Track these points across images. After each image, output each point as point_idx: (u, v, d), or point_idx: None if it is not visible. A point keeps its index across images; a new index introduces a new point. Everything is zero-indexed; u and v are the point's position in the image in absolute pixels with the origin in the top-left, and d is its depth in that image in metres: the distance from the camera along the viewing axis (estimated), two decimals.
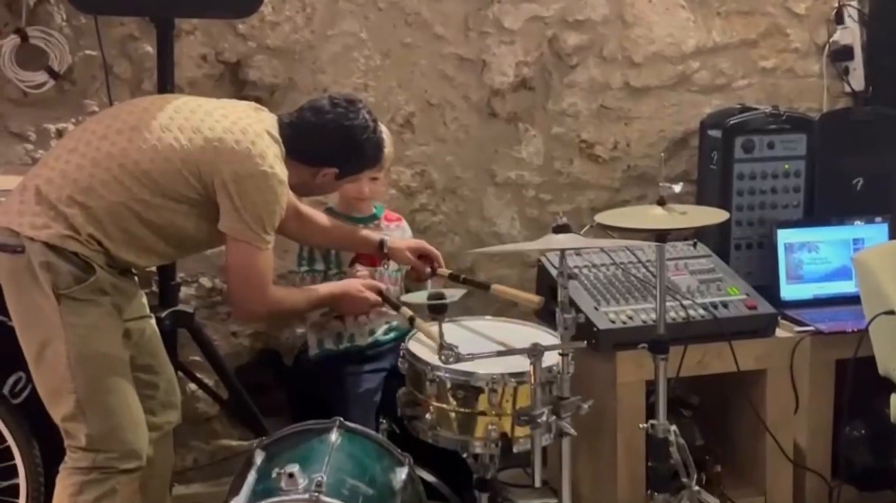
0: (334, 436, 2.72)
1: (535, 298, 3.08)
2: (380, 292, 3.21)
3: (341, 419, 2.77)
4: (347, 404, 3.15)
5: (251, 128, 2.80)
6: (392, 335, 3.39)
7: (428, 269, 3.33)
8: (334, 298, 3.15)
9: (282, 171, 2.80)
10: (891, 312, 3.10)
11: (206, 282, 3.76)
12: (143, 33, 3.56)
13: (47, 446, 3.06)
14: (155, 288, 3.50)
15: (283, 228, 2.92)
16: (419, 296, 2.88)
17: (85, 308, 2.68)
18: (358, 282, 3.19)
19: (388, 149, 3.39)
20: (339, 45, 3.78)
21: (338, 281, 3.28)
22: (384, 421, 3.05)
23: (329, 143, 2.93)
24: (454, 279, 3.28)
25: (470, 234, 4.01)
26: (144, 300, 3.04)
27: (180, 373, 3.37)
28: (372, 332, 3.39)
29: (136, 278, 2.91)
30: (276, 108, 3.69)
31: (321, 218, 3.29)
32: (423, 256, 3.35)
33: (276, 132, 2.87)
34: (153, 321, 3.08)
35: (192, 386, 3.62)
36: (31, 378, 2.79)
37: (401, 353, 2.95)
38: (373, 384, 3.26)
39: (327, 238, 3.30)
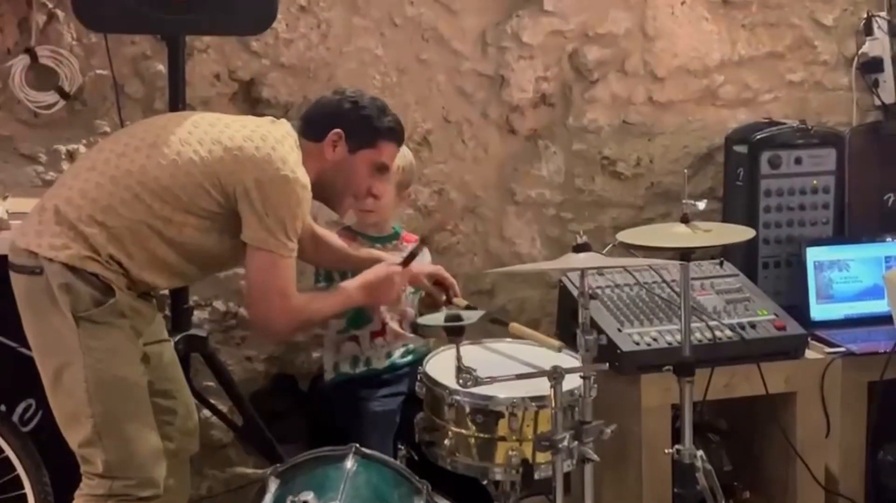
0: (350, 463, 2.70)
1: (555, 343, 3.05)
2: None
3: (357, 445, 2.75)
4: (364, 429, 3.13)
5: (271, 134, 2.82)
6: (409, 358, 3.38)
7: (443, 297, 3.30)
8: (371, 288, 3.06)
9: (303, 176, 2.80)
10: None
11: (219, 305, 3.76)
12: (154, 52, 3.58)
13: (58, 475, 3.05)
14: (168, 311, 3.49)
15: (298, 251, 2.91)
16: (436, 318, 2.87)
17: (104, 331, 2.68)
18: (384, 265, 3.14)
19: (408, 161, 3.41)
20: (355, 61, 3.79)
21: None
22: (402, 447, 3.03)
23: (332, 105, 2.99)
24: (470, 310, 3.25)
25: (490, 255, 4.00)
26: (163, 323, 3.04)
27: (194, 400, 3.37)
28: (389, 355, 3.37)
29: (154, 301, 2.91)
30: None
31: (335, 240, 3.29)
32: (439, 283, 3.31)
33: (294, 136, 2.89)
34: (171, 345, 3.08)
35: (206, 412, 3.61)
36: (41, 405, 2.79)
37: (418, 377, 2.95)
38: (390, 408, 3.24)
39: (342, 260, 3.29)
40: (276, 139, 2.81)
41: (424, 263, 3.42)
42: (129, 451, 2.71)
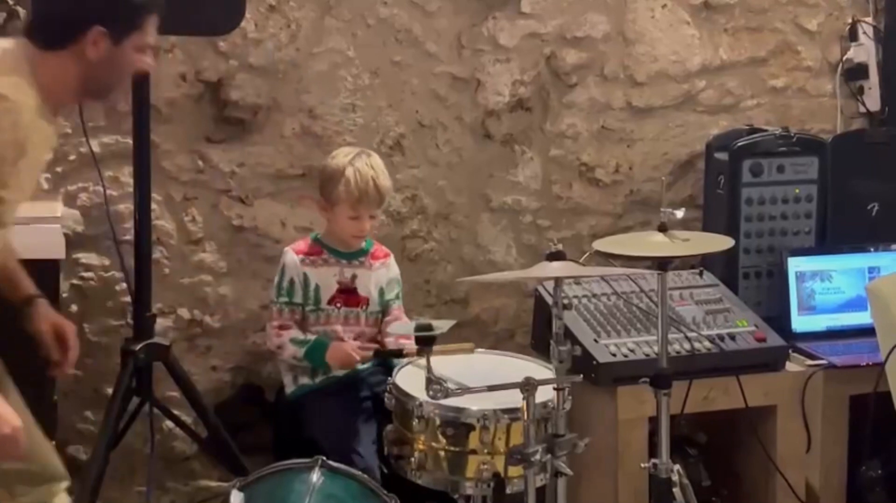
0: (315, 477, 2.72)
1: (466, 346, 3.09)
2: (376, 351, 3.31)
3: (323, 458, 2.76)
4: (331, 440, 3.14)
5: None
6: (368, 363, 3.40)
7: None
8: None
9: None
10: None
11: (184, 313, 3.76)
12: None
13: None
14: (129, 319, 3.50)
15: None
16: (407, 328, 2.88)
17: None
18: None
19: (386, 181, 3.42)
20: (326, 63, 3.79)
21: (314, 322, 3.36)
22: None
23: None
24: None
25: (464, 263, 4.01)
26: None
27: (156, 411, 3.37)
28: None
29: None
30: (259, 129, 3.75)
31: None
32: (61, 337, 2.87)
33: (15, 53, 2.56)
34: None
35: (169, 424, 3.61)
36: None
37: (387, 388, 2.96)
38: (359, 411, 3.27)
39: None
40: None
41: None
42: None
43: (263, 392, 3.86)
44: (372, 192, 3.36)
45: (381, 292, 3.48)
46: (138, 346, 3.25)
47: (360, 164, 3.37)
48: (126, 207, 3.57)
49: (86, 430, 3.67)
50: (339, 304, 3.40)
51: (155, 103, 3.38)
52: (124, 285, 3.56)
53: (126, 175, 3.59)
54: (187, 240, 3.74)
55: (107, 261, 3.64)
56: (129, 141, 3.48)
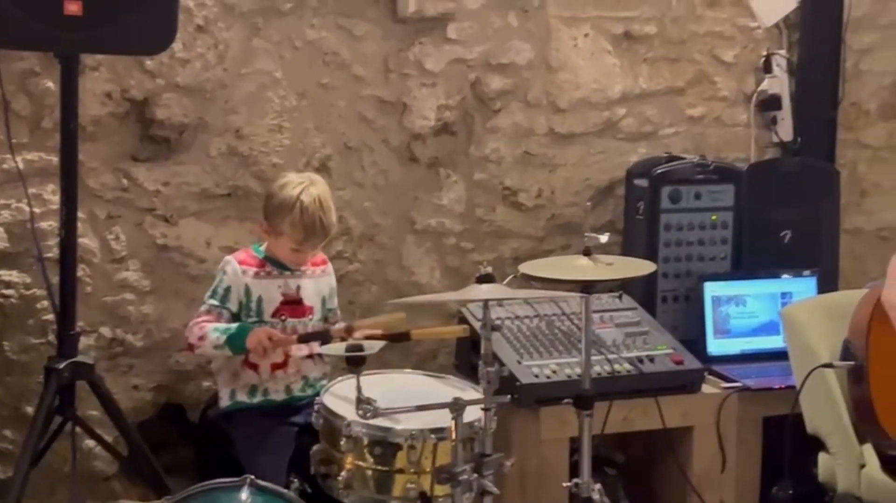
0: (245, 495, 2.74)
1: (457, 328, 3.13)
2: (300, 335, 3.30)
3: (252, 477, 2.79)
4: (259, 459, 3.16)
5: None
6: (309, 392, 3.41)
7: None
8: None
9: None
10: (829, 366, 3.22)
11: (106, 332, 3.75)
12: (44, 68, 3.56)
13: None
14: (51, 338, 3.49)
15: None
16: (337, 348, 2.93)
17: None
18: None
19: (332, 217, 3.41)
20: (253, 84, 3.83)
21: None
22: (295, 479, 3.08)
23: None
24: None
25: (388, 284, 4.06)
26: None
27: (78, 429, 3.36)
28: (288, 389, 3.41)
29: None
30: (185, 148, 3.76)
31: None
32: None
33: None
34: None
35: (90, 443, 3.60)
36: None
37: (315, 408, 2.99)
38: (285, 439, 3.28)
39: None
40: None
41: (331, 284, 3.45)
42: None
43: (185, 411, 3.87)
44: (318, 231, 3.37)
45: (324, 301, 3.51)
46: (62, 365, 3.23)
47: (308, 199, 3.34)
48: (49, 225, 3.57)
49: (5, 450, 3.64)
50: (284, 317, 3.40)
51: (80, 121, 3.36)
52: (46, 303, 3.54)
53: (49, 192, 3.59)
54: (110, 258, 3.73)
55: (28, 279, 3.62)
56: (53, 158, 3.50)
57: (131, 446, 3.46)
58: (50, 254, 3.50)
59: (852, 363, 3.20)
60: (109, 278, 3.74)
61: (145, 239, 3.77)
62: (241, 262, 3.43)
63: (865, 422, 3.23)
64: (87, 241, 3.67)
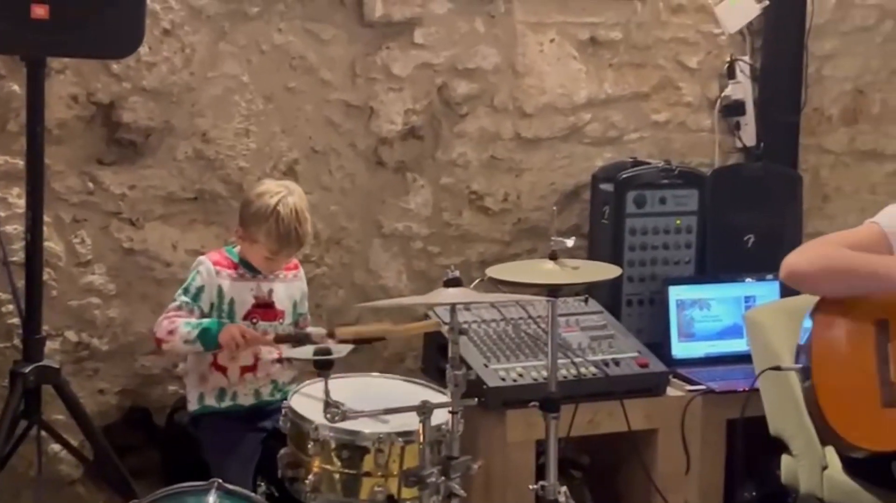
0: (212, 499, 2.74)
1: (432, 322, 3.14)
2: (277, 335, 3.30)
3: (220, 481, 2.79)
4: (226, 463, 3.16)
5: None
6: (278, 396, 3.40)
7: None
8: None
9: None
10: (777, 368, 3.24)
11: (71, 335, 3.74)
12: (9, 71, 3.55)
13: None
14: (16, 341, 3.48)
15: None
16: (305, 352, 2.93)
17: None
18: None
19: (308, 227, 3.42)
20: (220, 87, 3.83)
21: None
22: (262, 483, 3.08)
23: None
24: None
25: (355, 287, 4.07)
26: None
27: (44, 433, 3.36)
28: (257, 393, 3.42)
29: None
30: (151, 152, 3.76)
31: None
32: None
33: None
34: None
35: (55, 447, 3.59)
36: None
37: (282, 411, 3.00)
38: (253, 442, 3.28)
39: None
40: None
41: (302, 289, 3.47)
42: None
43: (151, 415, 3.86)
44: (293, 242, 3.38)
45: (295, 305, 3.51)
46: (28, 369, 3.23)
47: (285, 210, 3.33)
48: (14, 229, 3.56)
49: None
50: (255, 319, 3.40)
51: (46, 124, 3.35)
52: (11, 307, 3.52)
53: (14, 196, 3.58)
54: (76, 262, 3.72)
55: None
56: (19, 161, 3.49)
57: (97, 450, 3.46)
58: (15, 258, 3.50)
59: (800, 366, 3.21)
60: (75, 282, 3.73)
61: (111, 242, 3.76)
62: (215, 264, 3.42)
63: (816, 424, 3.23)
64: (52, 244, 3.66)
